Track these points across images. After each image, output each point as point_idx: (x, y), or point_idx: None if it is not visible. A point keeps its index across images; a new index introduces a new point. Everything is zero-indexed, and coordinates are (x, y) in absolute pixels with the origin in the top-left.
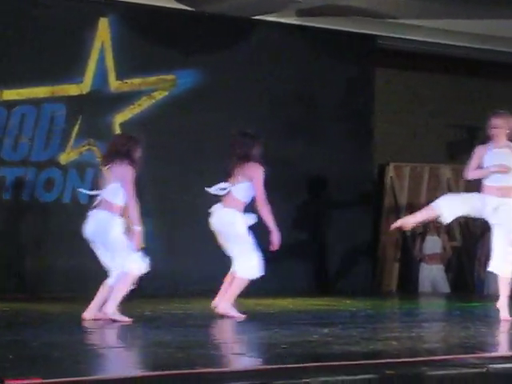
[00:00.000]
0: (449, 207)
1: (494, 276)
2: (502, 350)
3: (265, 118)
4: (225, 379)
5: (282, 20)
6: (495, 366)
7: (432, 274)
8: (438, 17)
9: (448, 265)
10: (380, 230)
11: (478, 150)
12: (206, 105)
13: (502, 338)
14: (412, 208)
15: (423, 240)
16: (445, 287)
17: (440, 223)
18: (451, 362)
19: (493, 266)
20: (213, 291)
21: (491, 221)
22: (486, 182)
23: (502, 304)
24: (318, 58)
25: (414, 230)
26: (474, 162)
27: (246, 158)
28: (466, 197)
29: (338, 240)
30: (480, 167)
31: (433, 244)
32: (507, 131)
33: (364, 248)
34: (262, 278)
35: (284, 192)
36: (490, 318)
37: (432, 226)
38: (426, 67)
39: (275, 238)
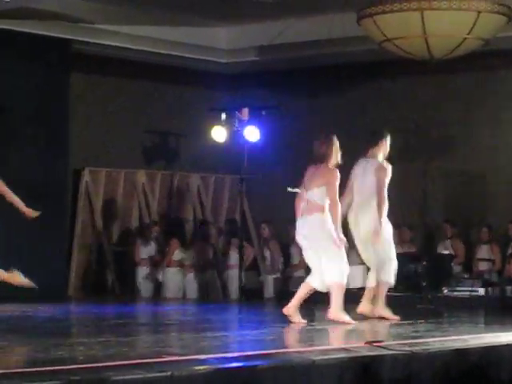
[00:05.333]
0: None
1: None
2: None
3: None
4: None
5: None
6: (180, 369)
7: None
8: (134, 23)
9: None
10: (75, 235)
11: None
12: None
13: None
14: (107, 212)
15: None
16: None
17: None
18: (137, 366)
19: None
20: None
21: None
22: None
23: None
24: (13, 61)
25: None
26: None
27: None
28: None
29: (32, 245)
30: None
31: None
32: None
33: (58, 251)
34: None
35: None
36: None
37: (148, 233)
38: (122, 73)
39: None
